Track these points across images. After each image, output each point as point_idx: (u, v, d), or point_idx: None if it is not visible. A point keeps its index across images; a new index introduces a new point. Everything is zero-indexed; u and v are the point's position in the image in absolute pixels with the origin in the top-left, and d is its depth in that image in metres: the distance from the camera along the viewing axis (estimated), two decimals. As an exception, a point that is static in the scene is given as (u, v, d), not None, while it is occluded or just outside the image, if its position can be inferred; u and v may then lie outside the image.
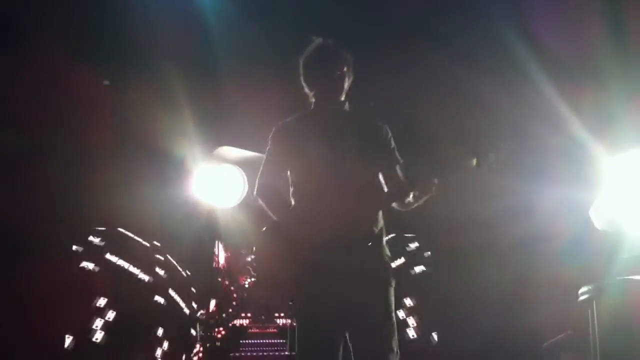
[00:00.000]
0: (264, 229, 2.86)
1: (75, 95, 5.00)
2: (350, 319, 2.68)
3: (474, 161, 2.60)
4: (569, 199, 4.67)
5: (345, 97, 2.92)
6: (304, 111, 3.01)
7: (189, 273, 4.84)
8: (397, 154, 2.93)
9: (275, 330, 6.09)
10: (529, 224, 4.88)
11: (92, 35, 4.75)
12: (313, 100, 2.96)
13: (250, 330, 6.05)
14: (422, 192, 2.70)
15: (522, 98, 4.51)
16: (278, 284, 2.85)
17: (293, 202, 2.87)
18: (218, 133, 5.49)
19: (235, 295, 6.23)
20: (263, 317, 6.08)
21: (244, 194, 5.66)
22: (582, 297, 3.96)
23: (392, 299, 2.75)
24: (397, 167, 2.88)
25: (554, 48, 4.19)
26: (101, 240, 5.36)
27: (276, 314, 6.16)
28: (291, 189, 2.90)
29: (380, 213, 2.83)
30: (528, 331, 4.99)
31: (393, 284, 2.77)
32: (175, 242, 5.24)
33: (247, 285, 6.31)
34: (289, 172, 2.90)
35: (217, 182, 5.63)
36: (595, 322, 3.85)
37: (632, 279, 3.85)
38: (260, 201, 2.92)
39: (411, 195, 2.73)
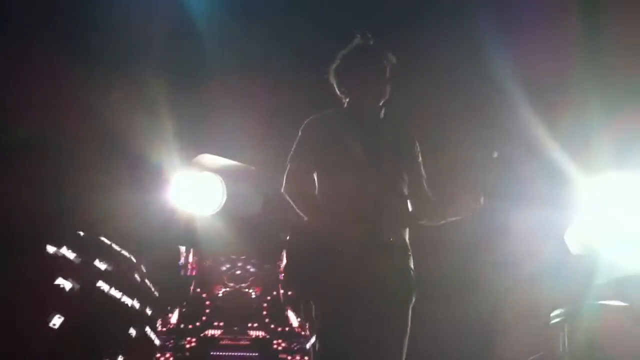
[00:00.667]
0: (295, 225, 2.72)
1: (54, 94, 4.93)
2: (372, 330, 2.57)
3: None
4: (546, 222, 4.70)
5: (383, 104, 2.83)
6: (338, 109, 2.89)
7: (150, 285, 4.78)
8: (423, 172, 2.85)
9: (248, 342, 5.97)
10: (505, 247, 4.90)
11: (75, 34, 4.70)
12: (347, 100, 2.86)
13: (221, 342, 5.93)
14: (458, 213, 2.65)
15: (498, 119, 4.55)
16: (305, 287, 2.73)
17: (322, 202, 2.71)
18: (199, 140, 5.45)
19: (208, 304, 6.15)
20: (236, 328, 6.02)
21: (223, 202, 5.64)
22: (554, 321, 3.99)
23: (410, 315, 2.66)
24: (424, 183, 2.81)
25: (530, 70, 4.22)
26: (72, 246, 5.25)
27: (249, 324, 6.11)
28: (320, 188, 2.75)
29: (407, 228, 2.75)
30: (503, 353, 5.00)
31: (413, 300, 2.68)
32: (148, 250, 5.16)
33: (220, 295, 6.25)
34: (318, 171, 2.76)
35: (196, 189, 5.60)
36: (567, 345, 3.88)
37: (604, 304, 3.89)
38: (288, 198, 2.75)
39: (442, 215, 2.70)
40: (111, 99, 5.14)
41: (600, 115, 4.24)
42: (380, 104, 2.81)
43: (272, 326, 6.15)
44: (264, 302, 6.36)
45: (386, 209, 2.62)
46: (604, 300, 4.16)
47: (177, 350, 5.80)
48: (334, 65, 2.87)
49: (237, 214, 5.61)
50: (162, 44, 4.79)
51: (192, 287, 6.22)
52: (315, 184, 2.76)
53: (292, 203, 2.73)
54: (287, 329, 6.17)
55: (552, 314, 4.04)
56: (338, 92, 2.88)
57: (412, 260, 2.72)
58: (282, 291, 6.40)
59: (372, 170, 2.65)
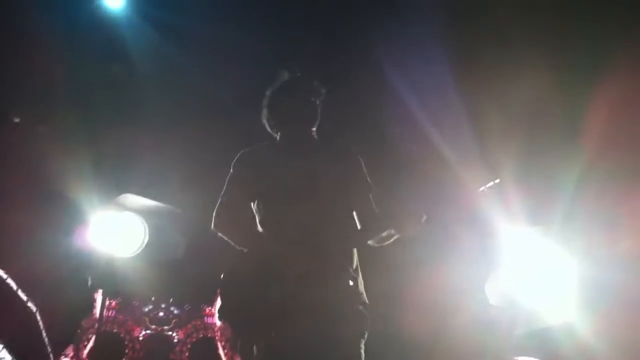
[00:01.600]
0: (232, 257, 2.61)
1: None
2: None
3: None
4: (468, 273, 4.72)
5: (315, 130, 2.80)
6: (271, 141, 2.85)
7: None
8: (369, 181, 2.77)
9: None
10: (433, 298, 4.88)
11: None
12: (279, 133, 2.83)
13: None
14: (402, 230, 2.52)
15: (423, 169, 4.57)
16: (244, 317, 2.51)
17: (261, 234, 2.63)
18: (121, 180, 5.28)
19: (127, 347, 5.90)
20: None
21: (144, 244, 5.45)
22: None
23: (362, 353, 2.50)
24: (371, 197, 2.72)
25: (449, 129, 4.28)
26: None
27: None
28: (258, 219, 2.68)
29: (355, 251, 2.65)
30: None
31: (366, 336, 2.54)
32: (61, 292, 4.95)
33: (141, 338, 6.02)
34: (255, 202, 2.68)
35: (116, 230, 5.40)
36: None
37: (518, 360, 3.90)
38: (221, 234, 2.66)
39: (387, 231, 2.56)
40: (30, 134, 4.96)
41: (517, 174, 4.32)
42: (313, 129, 2.79)
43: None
44: (188, 346, 6.19)
45: (326, 234, 2.54)
46: (522, 354, 4.18)
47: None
48: (264, 102, 2.85)
49: (159, 257, 5.43)
50: (83, 80, 4.66)
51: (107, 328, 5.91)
52: (248, 214, 2.68)
53: (224, 236, 2.64)
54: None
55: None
56: (269, 129, 2.85)
57: (361, 285, 2.60)
58: (218, 334, 6.23)
59: (308, 196, 2.59)
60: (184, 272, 5.81)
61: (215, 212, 2.69)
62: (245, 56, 4.87)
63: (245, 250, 2.58)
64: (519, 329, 4.75)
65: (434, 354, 5.08)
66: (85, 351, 5.63)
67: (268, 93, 2.86)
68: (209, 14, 4.69)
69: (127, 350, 5.93)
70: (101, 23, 4.50)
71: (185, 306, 6.32)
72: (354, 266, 2.62)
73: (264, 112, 2.87)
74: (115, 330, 5.95)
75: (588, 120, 4.24)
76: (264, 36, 4.85)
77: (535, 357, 4.16)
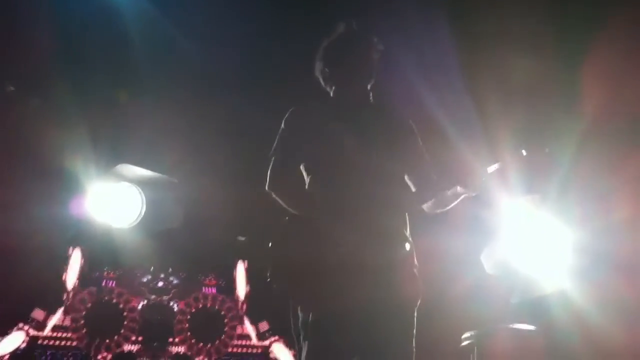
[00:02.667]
0: (284, 222, 2.51)
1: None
2: (373, 336, 2.37)
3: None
4: (469, 243, 4.75)
5: (371, 88, 2.68)
6: (324, 98, 2.73)
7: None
8: (424, 151, 2.69)
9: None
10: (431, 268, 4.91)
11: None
12: (334, 88, 2.71)
13: (139, 358, 5.69)
14: (467, 185, 2.41)
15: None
16: (297, 284, 2.43)
17: (314, 194, 2.53)
18: (117, 150, 5.26)
19: (125, 318, 5.90)
20: (155, 344, 5.81)
21: (142, 214, 5.46)
22: (464, 343, 4.03)
23: (415, 319, 2.46)
24: (426, 164, 2.65)
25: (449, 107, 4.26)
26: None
27: (170, 339, 5.91)
28: (308, 179, 2.58)
29: (407, 215, 2.58)
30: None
31: (419, 302, 2.49)
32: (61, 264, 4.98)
33: (140, 308, 6.01)
34: (307, 163, 2.59)
35: (114, 200, 5.41)
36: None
37: (514, 328, 3.95)
38: (276, 196, 2.55)
39: (452, 190, 2.48)
40: (24, 106, 4.93)
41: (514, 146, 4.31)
42: (369, 88, 2.67)
43: (195, 342, 6.00)
44: (188, 316, 6.19)
45: (382, 197, 2.47)
46: (518, 322, 4.23)
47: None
48: (319, 54, 2.73)
49: (157, 227, 5.44)
50: (77, 50, 4.61)
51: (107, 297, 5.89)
52: (302, 177, 2.60)
53: (279, 200, 2.55)
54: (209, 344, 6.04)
55: (463, 336, 4.08)
56: (323, 83, 2.74)
57: (414, 253, 2.55)
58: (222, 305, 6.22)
59: (364, 159, 2.50)
60: (182, 242, 5.81)
61: (271, 172, 2.58)
62: (245, 24, 4.80)
63: (298, 213, 2.50)
64: (515, 297, 4.80)
65: (431, 323, 5.12)
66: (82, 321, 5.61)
67: (325, 44, 2.72)
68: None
69: (125, 321, 5.90)
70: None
71: (181, 274, 6.29)
72: (408, 230, 2.57)
73: (319, 64, 2.73)
74: (114, 301, 5.93)
75: (584, 91, 4.24)
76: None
77: (531, 325, 4.21)
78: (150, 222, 5.43)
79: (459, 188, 2.46)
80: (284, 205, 2.54)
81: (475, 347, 3.91)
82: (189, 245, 5.98)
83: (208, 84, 5.03)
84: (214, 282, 6.58)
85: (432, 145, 2.83)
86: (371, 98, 2.70)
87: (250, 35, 4.72)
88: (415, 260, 2.54)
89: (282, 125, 2.64)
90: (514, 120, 4.35)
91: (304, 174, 2.61)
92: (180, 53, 4.80)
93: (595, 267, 4.56)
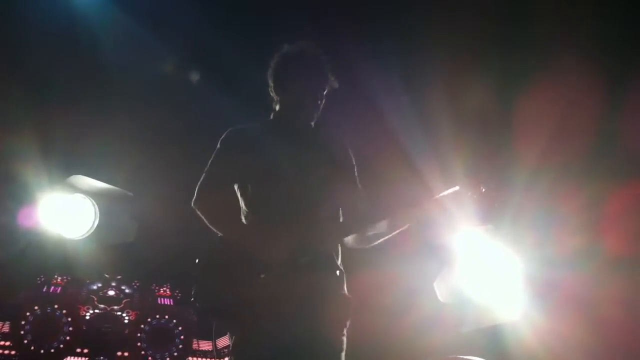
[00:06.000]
0: (215, 239, 2.48)
1: None
2: (297, 351, 2.35)
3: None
4: (420, 271, 4.74)
5: (316, 112, 2.67)
6: (266, 119, 2.71)
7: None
8: (358, 181, 2.69)
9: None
10: (385, 299, 4.89)
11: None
12: (279, 106, 2.68)
13: (83, 372, 5.56)
14: (394, 225, 2.45)
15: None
16: (220, 305, 2.43)
17: (246, 216, 2.53)
18: (71, 161, 5.14)
19: (71, 328, 5.70)
20: (102, 357, 5.65)
21: (94, 226, 5.34)
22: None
23: (345, 340, 2.46)
24: (359, 194, 2.64)
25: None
26: None
27: (119, 353, 5.78)
28: (243, 201, 2.56)
29: (340, 246, 2.57)
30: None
31: (348, 323, 2.48)
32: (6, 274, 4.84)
33: (88, 317, 5.84)
34: (238, 183, 2.57)
35: (66, 211, 5.27)
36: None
37: (461, 359, 3.96)
38: (200, 213, 2.52)
39: (374, 228, 2.50)
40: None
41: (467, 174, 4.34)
42: (313, 111, 2.66)
43: (146, 356, 5.84)
44: (140, 328, 6.01)
45: (312, 223, 2.46)
46: (469, 352, 4.24)
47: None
48: (276, 60, 2.70)
49: (110, 240, 5.32)
50: (32, 58, 4.50)
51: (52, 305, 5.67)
52: (231, 196, 2.58)
53: (203, 217, 2.52)
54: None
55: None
56: (272, 92, 2.70)
57: (344, 280, 2.53)
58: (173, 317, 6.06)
59: (299, 181, 2.50)
60: (137, 252, 5.69)
61: (199, 188, 2.55)
62: (206, 40, 4.75)
63: (221, 233, 2.48)
64: (467, 326, 4.82)
65: (382, 354, 5.12)
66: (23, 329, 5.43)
67: (283, 54, 2.70)
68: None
69: (69, 330, 5.69)
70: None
71: (134, 283, 6.13)
72: (339, 258, 2.56)
73: (273, 70, 2.70)
74: (49, 310, 5.66)
75: (535, 121, 4.28)
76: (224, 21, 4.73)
77: (483, 356, 4.23)
78: (103, 235, 5.31)
79: (397, 220, 2.47)
80: (207, 223, 2.51)
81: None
82: (144, 255, 5.87)
83: (165, 96, 4.96)
84: (169, 292, 6.44)
85: (373, 176, 2.84)
86: (313, 123, 2.68)
87: (207, 48, 4.67)
88: (345, 286, 2.53)
89: (218, 144, 2.62)
90: (466, 150, 4.38)
91: (237, 192, 2.59)
92: (137, 65, 4.72)
93: (547, 297, 4.60)
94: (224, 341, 6.13)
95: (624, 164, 3.96)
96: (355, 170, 2.72)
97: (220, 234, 2.50)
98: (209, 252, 2.50)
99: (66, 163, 5.10)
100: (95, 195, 5.25)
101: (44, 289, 5.85)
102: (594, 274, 4.18)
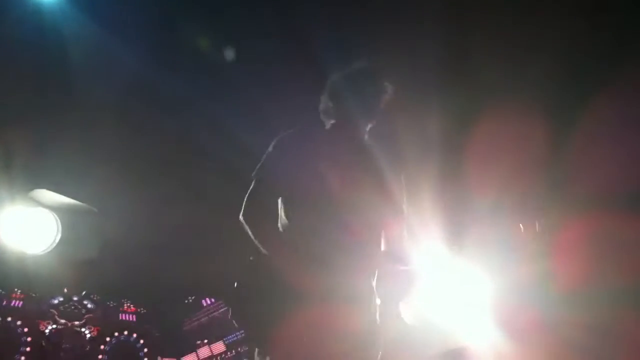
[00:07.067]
0: (249, 260, 2.41)
1: None
2: None
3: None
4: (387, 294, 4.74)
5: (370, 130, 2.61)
6: (319, 128, 2.61)
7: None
8: (404, 204, 2.58)
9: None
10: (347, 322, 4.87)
11: None
12: (333, 121, 2.58)
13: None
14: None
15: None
16: (259, 331, 2.38)
17: (285, 234, 2.42)
18: (33, 174, 5.03)
19: (29, 345, 5.58)
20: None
21: (57, 241, 5.22)
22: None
23: None
24: (404, 220, 2.56)
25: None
26: None
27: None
28: (282, 221, 2.45)
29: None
30: None
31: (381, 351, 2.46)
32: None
33: (47, 332, 5.72)
34: (284, 195, 2.46)
35: (28, 226, 5.15)
36: None
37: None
38: (246, 226, 2.41)
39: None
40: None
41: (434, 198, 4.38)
42: (367, 129, 2.60)
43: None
44: (102, 344, 5.94)
45: (358, 253, 2.40)
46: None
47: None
48: (332, 79, 2.63)
49: (73, 256, 5.22)
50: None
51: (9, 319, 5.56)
52: (279, 211, 2.47)
53: (249, 232, 2.41)
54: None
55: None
56: (322, 115, 2.63)
57: (378, 313, 2.51)
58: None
59: (347, 205, 2.39)
60: (99, 270, 5.60)
61: (248, 200, 2.45)
62: (175, 52, 4.72)
63: (265, 251, 2.39)
64: (433, 349, 4.83)
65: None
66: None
67: (335, 77, 2.63)
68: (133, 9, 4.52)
69: (28, 347, 5.61)
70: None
71: (97, 298, 6.04)
72: (374, 291, 2.52)
73: (325, 97, 2.62)
74: (18, 324, 5.59)
75: (500, 148, 4.33)
76: (194, 31, 4.70)
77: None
78: (66, 250, 5.20)
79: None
80: (252, 238, 2.41)
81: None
82: (108, 270, 5.77)
83: (131, 110, 4.91)
84: (133, 308, 6.36)
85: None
86: (366, 142, 2.61)
87: (174, 61, 4.65)
88: (378, 316, 2.52)
89: (271, 149, 2.50)
90: (434, 173, 4.41)
91: (281, 205, 2.48)
92: (103, 77, 4.66)
93: (509, 321, 4.64)
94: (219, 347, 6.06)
95: (581, 196, 4.04)
96: (404, 192, 2.64)
97: (253, 256, 2.43)
98: (247, 276, 2.44)
99: (29, 176, 4.99)
100: (58, 209, 5.15)
101: (4, 302, 5.71)
102: (554, 299, 4.23)
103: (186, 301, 6.84)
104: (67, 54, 4.51)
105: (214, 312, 7.23)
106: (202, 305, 6.93)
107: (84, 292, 6.05)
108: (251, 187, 2.46)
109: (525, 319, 4.53)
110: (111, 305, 6.19)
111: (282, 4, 4.56)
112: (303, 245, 2.35)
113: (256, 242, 2.40)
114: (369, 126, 2.61)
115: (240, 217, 2.44)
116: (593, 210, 3.93)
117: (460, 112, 4.39)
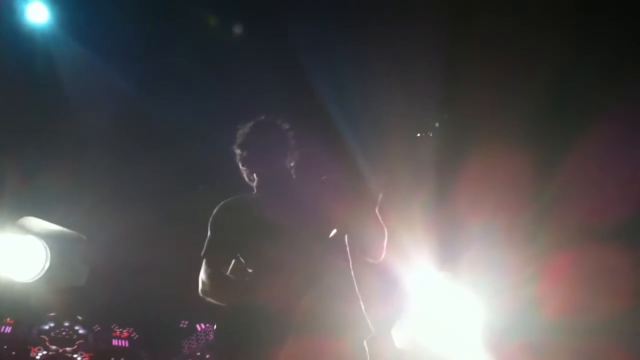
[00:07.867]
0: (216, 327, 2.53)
1: None
2: None
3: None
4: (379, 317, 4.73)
5: (293, 166, 2.75)
6: (249, 193, 2.75)
7: None
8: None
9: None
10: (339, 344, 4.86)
11: None
12: (256, 179, 2.73)
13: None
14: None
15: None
16: None
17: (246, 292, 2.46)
18: (22, 202, 5.00)
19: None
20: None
21: (45, 269, 5.18)
22: None
23: None
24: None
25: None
26: None
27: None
28: (243, 274, 2.50)
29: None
30: None
31: None
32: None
33: (38, 358, 5.66)
34: (234, 258, 2.52)
35: (16, 253, 5.11)
36: None
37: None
38: (210, 299, 2.52)
39: None
40: None
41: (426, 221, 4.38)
42: (289, 166, 2.73)
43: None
44: (95, 368, 5.87)
45: (316, 284, 2.41)
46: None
47: None
48: (236, 150, 2.75)
49: (61, 284, 5.18)
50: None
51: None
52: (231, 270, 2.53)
53: (214, 301, 2.51)
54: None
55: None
56: (246, 177, 2.77)
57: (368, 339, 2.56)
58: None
59: (294, 250, 2.46)
60: (88, 298, 5.55)
61: (202, 276, 2.55)
62: (165, 80, 4.72)
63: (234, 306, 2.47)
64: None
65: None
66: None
67: (238, 140, 2.76)
68: (128, 33, 4.52)
69: None
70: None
71: (87, 322, 5.98)
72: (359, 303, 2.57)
73: (237, 150, 2.76)
74: (8, 350, 5.53)
75: (492, 170, 4.35)
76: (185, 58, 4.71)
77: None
78: (54, 277, 5.15)
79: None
80: (220, 304, 2.51)
81: None
82: (96, 298, 5.73)
83: (119, 137, 4.90)
84: (125, 334, 6.30)
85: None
86: (293, 174, 2.73)
87: (160, 87, 4.66)
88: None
89: (210, 221, 2.61)
90: (425, 194, 4.42)
91: (238, 268, 2.54)
92: (91, 104, 4.66)
93: (504, 343, 4.63)
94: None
95: (570, 223, 4.06)
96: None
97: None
98: (223, 322, 2.52)
99: (17, 204, 4.96)
100: (46, 237, 5.11)
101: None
102: (543, 324, 4.24)
103: (181, 325, 6.79)
104: (56, 81, 4.51)
105: (210, 335, 7.20)
106: (197, 329, 6.90)
107: (77, 317, 5.99)
108: (202, 266, 2.56)
109: (514, 343, 4.53)
110: (103, 330, 6.11)
111: (273, 29, 4.59)
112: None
113: (223, 304, 2.50)
114: (289, 163, 2.74)
115: (200, 293, 2.54)
116: (581, 237, 3.95)
117: (451, 138, 4.41)
